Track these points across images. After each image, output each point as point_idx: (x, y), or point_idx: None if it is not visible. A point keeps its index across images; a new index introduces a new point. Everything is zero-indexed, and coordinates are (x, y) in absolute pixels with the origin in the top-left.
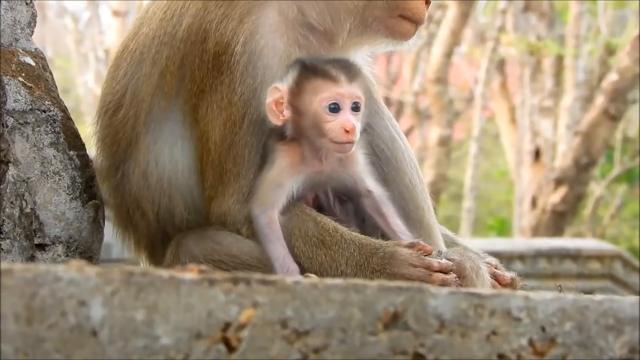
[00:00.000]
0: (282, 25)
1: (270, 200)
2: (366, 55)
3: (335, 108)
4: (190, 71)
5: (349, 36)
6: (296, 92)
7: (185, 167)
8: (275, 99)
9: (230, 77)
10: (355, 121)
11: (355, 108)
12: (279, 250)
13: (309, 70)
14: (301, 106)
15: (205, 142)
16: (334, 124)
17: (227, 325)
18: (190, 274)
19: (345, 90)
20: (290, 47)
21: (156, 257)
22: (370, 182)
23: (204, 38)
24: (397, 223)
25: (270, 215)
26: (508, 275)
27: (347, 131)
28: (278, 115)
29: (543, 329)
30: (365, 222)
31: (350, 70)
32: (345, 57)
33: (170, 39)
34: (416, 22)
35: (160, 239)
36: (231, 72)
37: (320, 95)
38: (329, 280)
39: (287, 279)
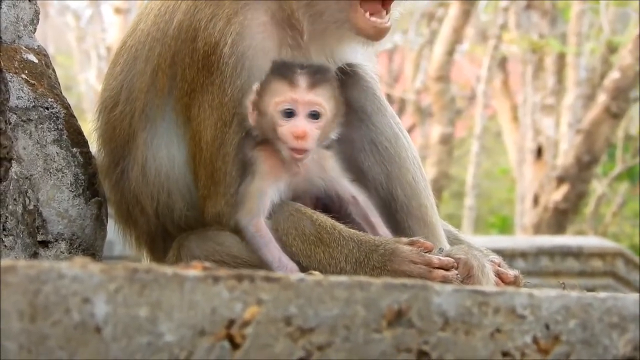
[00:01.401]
0: (269, 25)
1: (256, 209)
2: (370, 53)
3: (290, 113)
4: (181, 69)
5: (320, 30)
6: (260, 93)
7: (182, 163)
8: (251, 99)
9: (221, 77)
10: (309, 128)
11: (314, 115)
12: (272, 253)
13: (273, 72)
14: (262, 107)
15: (197, 141)
16: (285, 129)
17: (231, 322)
18: (194, 270)
19: (300, 97)
20: (279, 47)
21: (157, 253)
22: (352, 188)
23: (193, 37)
24: (385, 233)
25: (257, 224)
26: (511, 273)
27: (296, 137)
28: (252, 115)
29: (547, 327)
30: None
31: (315, 77)
32: (319, 64)
33: (163, 36)
34: None
35: (160, 235)
36: (221, 72)
37: (276, 98)
38: (333, 278)
39: (291, 276)
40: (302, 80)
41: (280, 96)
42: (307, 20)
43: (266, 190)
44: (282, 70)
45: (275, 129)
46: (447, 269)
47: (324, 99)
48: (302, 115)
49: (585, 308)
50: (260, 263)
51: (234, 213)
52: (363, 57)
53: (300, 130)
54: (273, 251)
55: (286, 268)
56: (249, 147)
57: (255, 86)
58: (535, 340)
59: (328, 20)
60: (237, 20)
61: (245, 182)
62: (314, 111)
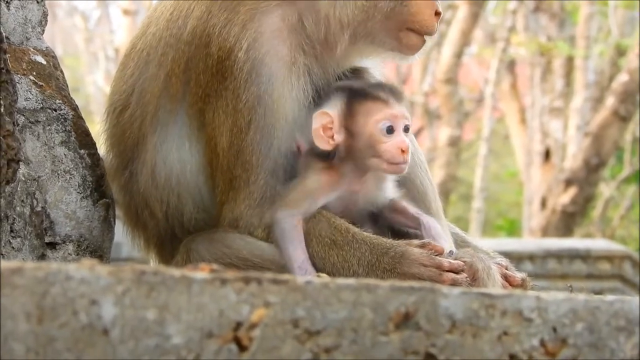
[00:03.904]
0: (284, 32)
1: (301, 207)
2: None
3: (389, 129)
4: (195, 74)
5: (352, 47)
6: (349, 115)
7: (193, 166)
8: (323, 124)
9: (235, 83)
10: (408, 141)
11: (406, 129)
12: (299, 253)
13: (359, 94)
14: (355, 128)
15: (213, 147)
16: (390, 145)
17: (238, 325)
18: (201, 273)
19: (398, 112)
20: (295, 53)
21: (165, 256)
22: (390, 191)
23: (207, 42)
24: (416, 211)
25: (298, 220)
26: (519, 276)
27: (403, 151)
28: (327, 140)
29: (554, 330)
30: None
31: (397, 93)
32: (386, 82)
33: (176, 41)
34: (425, 34)
35: (169, 238)
36: (235, 78)
37: (375, 117)
38: (340, 280)
39: (299, 278)
40: (391, 97)
41: (380, 114)
42: (345, 37)
43: (316, 198)
44: (367, 91)
45: (375, 146)
46: (457, 272)
47: (408, 112)
48: (401, 130)
49: (592, 311)
50: (271, 263)
51: (257, 211)
52: (370, 61)
53: (406, 144)
54: (300, 252)
55: (306, 271)
56: (309, 159)
57: (330, 111)
58: (542, 343)
59: (373, 41)
60: (252, 26)
61: (296, 180)
62: (406, 125)
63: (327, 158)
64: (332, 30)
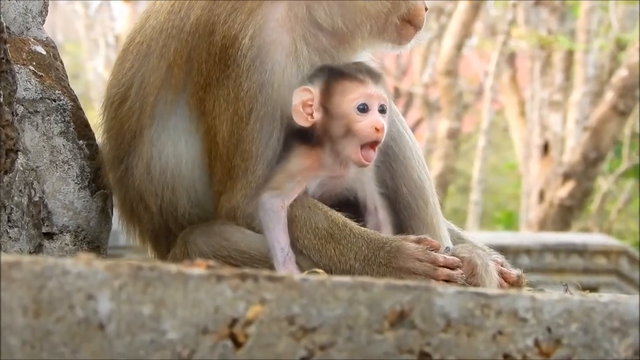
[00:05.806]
0: (290, 21)
1: (284, 189)
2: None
3: (364, 108)
4: (197, 64)
5: (363, 38)
6: (326, 94)
7: (189, 160)
8: (303, 100)
9: (237, 71)
10: (383, 121)
11: (382, 110)
12: (282, 236)
13: (337, 74)
14: (331, 108)
15: (213, 136)
16: (364, 124)
17: (234, 321)
18: (198, 269)
19: (373, 91)
20: (298, 43)
21: (160, 249)
22: (378, 200)
23: (211, 31)
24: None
25: (281, 203)
26: (514, 272)
27: (377, 130)
28: (306, 117)
29: (549, 330)
30: None
31: (375, 74)
32: (365, 62)
33: (178, 32)
34: (417, 27)
35: (163, 232)
36: (238, 65)
37: (350, 95)
38: (336, 278)
39: (295, 276)
40: (368, 77)
41: (354, 93)
42: (368, 27)
43: (298, 180)
44: (344, 71)
45: (350, 126)
46: (452, 268)
47: (386, 94)
48: (376, 110)
49: (587, 312)
50: (267, 257)
51: (253, 202)
52: (365, 54)
53: (380, 122)
54: (282, 235)
55: (287, 254)
56: (292, 142)
57: (312, 88)
58: (536, 343)
59: (382, 33)
60: (259, 13)
61: (278, 165)
62: (382, 105)
63: (307, 139)
64: (357, 21)
